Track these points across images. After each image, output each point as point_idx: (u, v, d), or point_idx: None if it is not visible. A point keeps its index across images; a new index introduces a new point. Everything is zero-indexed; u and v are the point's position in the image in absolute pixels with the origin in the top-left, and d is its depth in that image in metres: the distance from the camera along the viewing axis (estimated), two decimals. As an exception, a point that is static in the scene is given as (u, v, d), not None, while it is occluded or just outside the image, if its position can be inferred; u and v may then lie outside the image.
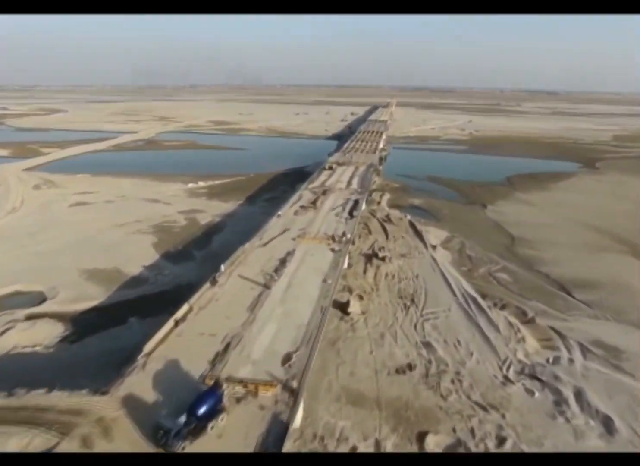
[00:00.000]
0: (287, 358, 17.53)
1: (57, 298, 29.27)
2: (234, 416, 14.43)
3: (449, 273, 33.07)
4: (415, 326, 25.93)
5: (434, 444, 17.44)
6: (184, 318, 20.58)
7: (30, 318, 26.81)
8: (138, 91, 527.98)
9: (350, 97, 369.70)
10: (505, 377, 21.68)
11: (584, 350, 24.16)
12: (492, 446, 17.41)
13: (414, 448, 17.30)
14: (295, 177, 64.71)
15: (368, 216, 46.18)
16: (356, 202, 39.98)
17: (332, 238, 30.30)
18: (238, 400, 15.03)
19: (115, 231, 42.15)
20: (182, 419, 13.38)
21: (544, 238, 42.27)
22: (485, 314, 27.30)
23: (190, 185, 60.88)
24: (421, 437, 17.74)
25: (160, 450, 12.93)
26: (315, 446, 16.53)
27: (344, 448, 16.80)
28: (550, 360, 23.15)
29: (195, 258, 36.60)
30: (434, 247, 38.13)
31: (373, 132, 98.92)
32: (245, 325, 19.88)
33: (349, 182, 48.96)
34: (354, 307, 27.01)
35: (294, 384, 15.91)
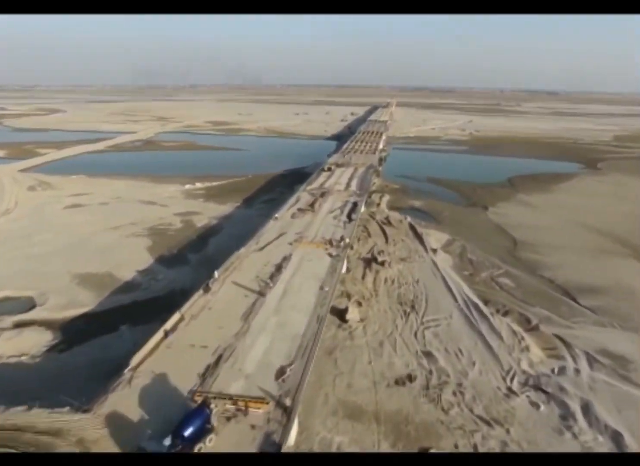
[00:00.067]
0: (281, 372, 16.69)
1: (46, 304, 28.43)
2: (223, 437, 13.58)
3: (450, 278, 32.23)
4: (415, 334, 25.09)
5: (436, 462, 16.57)
6: (174, 327, 19.70)
7: (18, 325, 25.98)
8: (138, 91, 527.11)
9: (350, 97, 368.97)
10: (509, 389, 20.83)
11: (590, 360, 23.32)
12: None
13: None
14: (293, 179, 63.85)
15: (367, 218, 45.34)
16: (355, 205, 39.15)
17: (330, 242, 29.46)
18: (228, 419, 14.19)
19: (110, 234, 41.31)
20: (167, 442, 12.53)
21: (546, 241, 41.42)
22: (488, 322, 26.46)
23: (187, 186, 60.04)
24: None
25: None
26: (310, 466, 15.69)
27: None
28: (556, 370, 22.30)
29: (190, 262, 35.76)
30: (434, 251, 37.28)
31: (373, 132, 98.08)
32: (238, 336, 19.05)
33: (348, 184, 48.12)
34: (352, 314, 26.17)
35: (288, 401, 15.07)
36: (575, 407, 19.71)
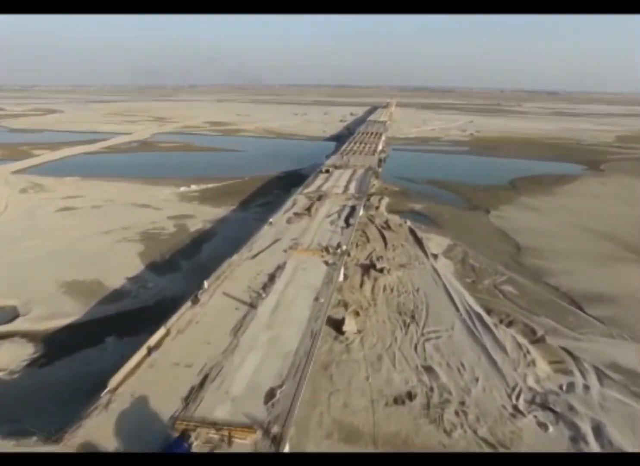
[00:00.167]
0: (270, 395, 15.45)
1: (30, 314, 27.20)
2: (204, 472, 12.32)
3: (452, 286, 31.01)
4: (415, 347, 23.87)
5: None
6: (159, 343, 18.46)
7: (-2, 337, 24.77)
8: (138, 91, 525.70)
9: (350, 98, 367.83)
10: (515, 408, 19.62)
11: (600, 375, 22.11)
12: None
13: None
14: (291, 181, 62.68)
15: (366, 221, 44.17)
16: (353, 209, 37.91)
17: (327, 249, 28.22)
18: (210, 451, 12.95)
19: (100, 239, 40.09)
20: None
21: (550, 246, 40.22)
22: (492, 333, 25.23)
23: (183, 189, 58.84)
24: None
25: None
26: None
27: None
28: (564, 387, 21.08)
29: (181, 269, 34.53)
30: (435, 256, 36.07)
31: (372, 133, 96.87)
32: (227, 353, 17.80)
33: (346, 187, 46.89)
34: (350, 325, 24.96)
35: (277, 428, 13.83)
36: (586, 428, 18.50)
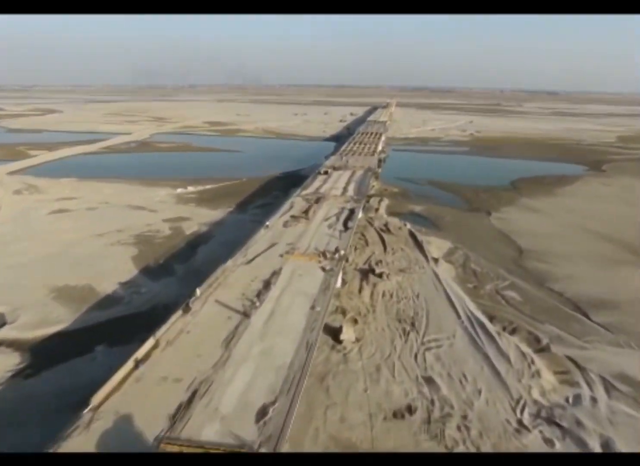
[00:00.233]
0: (262, 413, 14.61)
1: (17, 321, 26.34)
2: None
3: (453, 291, 30.16)
4: (415, 357, 23.02)
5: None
6: (147, 355, 17.62)
7: (-17, 346, 23.94)
8: (138, 91, 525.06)
9: (350, 98, 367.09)
10: (520, 422, 18.77)
11: (608, 386, 21.25)
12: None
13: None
14: (289, 182, 61.87)
15: (365, 224, 43.36)
16: (352, 212, 37.03)
17: (324, 254, 27.37)
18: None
19: (94, 242, 39.24)
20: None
21: (553, 249, 39.37)
22: (494, 342, 24.39)
23: (179, 190, 57.98)
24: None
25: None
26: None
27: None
28: (570, 400, 20.23)
29: (176, 273, 33.69)
30: (435, 260, 35.23)
31: (371, 133, 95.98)
32: (217, 366, 16.96)
33: (345, 189, 46.03)
34: (347, 334, 24.14)
35: (268, 450, 12.98)
36: (595, 445, 17.66)
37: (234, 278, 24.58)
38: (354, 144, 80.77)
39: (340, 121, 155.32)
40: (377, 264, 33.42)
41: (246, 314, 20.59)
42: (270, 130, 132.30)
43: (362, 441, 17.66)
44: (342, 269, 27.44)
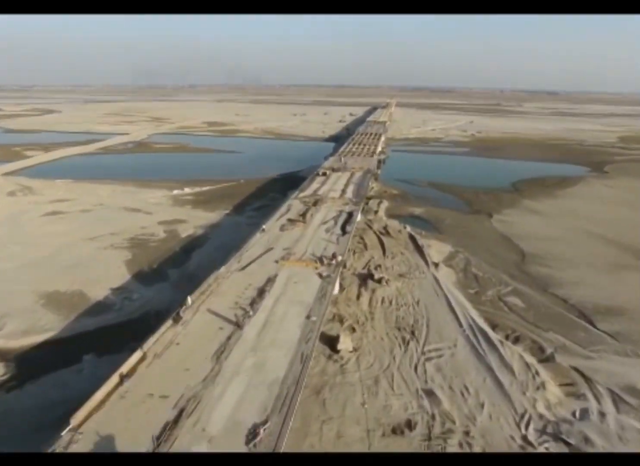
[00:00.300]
0: (253, 434, 13.75)
1: (3, 330, 25.44)
2: None
3: (454, 298, 29.29)
4: (415, 368, 22.15)
5: None
6: (133, 369, 16.75)
7: (-33, 356, 23.06)
8: (138, 91, 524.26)
9: (350, 98, 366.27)
10: (525, 438, 17.90)
11: (616, 400, 20.38)
12: None
13: None
14: (287, 183, 60.95)
15: (364, 227, 42.47)
16: (350, 215, 36.16)
17: (321, 259, 26.49)
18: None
19: (86, 246, 38.35)
20: None
21: (556, 253, 38.48)
22: (497, 352, 23.51)
23: (176, 192, 57.10)
24: None
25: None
26: None
27: None
28: (577, 414, 19.35)
29: (169, 278, 32.82)
30: (436, 265, 34.35)
31: (371, 134, 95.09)
32: (207, 382, 16.10)
33: (344, 191, 45.15)
34: (345, 343, 23.27)
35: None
36: (604, 464, 16.75)
37: (227, 285, 23.71)
38: (353, 144, 79.90)
39: (340, 121, 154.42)
40: (376, 268, 32.56)
41: (239, 325, 19.72)
42: (269, 130, 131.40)
43: (360, 460, 16.76)
44: (338, 277, 26.54)
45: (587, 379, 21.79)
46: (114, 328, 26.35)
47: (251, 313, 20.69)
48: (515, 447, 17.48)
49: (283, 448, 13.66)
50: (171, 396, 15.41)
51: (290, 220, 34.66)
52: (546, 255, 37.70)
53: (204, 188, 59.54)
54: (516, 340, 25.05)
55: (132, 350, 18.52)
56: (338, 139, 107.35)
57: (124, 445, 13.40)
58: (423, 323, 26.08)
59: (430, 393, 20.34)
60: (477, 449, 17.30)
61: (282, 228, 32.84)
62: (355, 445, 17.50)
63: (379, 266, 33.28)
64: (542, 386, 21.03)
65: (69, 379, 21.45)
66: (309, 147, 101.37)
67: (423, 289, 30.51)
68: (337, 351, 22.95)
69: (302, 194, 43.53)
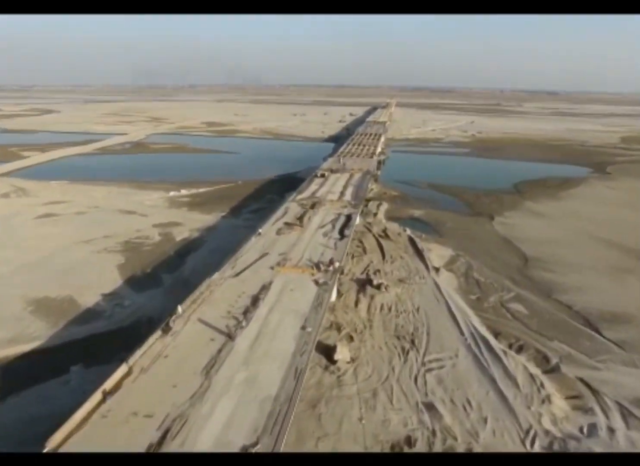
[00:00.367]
0: (241, 457, 12.83)
1: (-11, 338, 24.62)
2: None
3: (455, 304, 28.42)
4: (415, 380, 21.28)
5: None
6: (117, 385, 15.89)
7: (-50, 367, 22.22)
8: (138, 91, 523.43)
9: (350, 98, 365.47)
10: (530, 456, 17.03)
11: (625, 414, 19.51)
12: None
13: None
14: (285, 185, 60.06)
15: (363, 230, 41.63)
16: (349, 218, 35.32)
17: (317, 266, 25.64)
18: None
19: (79, 250, 37.50)
20: None
21: (559, 256, 37.61)
22: (500, 362, 22.65)
23: (172, 193, 56.27)
24: None
25: None
26: None
27: None
28: (585, 430, 18.48)
29: (163, 284, 31.95)
30: (436, 269, 33.50)
31: (371, 134, 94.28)
32: (195, 399, 15.23)
33: (342, 193, 44.31)
34: (342, 353, 22.40)
35: (245, 507, 11.24)
36: (614, 485, 15.90)
37: (220, 293, 22.86)
38: (353, 145, 79.08)
39: (340, 121, 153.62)
40: (375, 274, 31.72)
41: (230, 336, 18.87)
42: (268, 131, 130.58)
43: (356, 480, 15.91)
44: (335, 284, 25.68)
45: (594, 392, 20.93)
46: (104, 336, 25.49)
47: (244, 323, 19.84)
48: (520, 466, 16.58)
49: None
50: (156, 415, 14.57)
51: (287, 223, 33.82)
52: (549, 259, 36.84)
53: (201, 190, 58.71)
54: (520, 349, 24.20)
55: (121, 360, 17.73)
56: (338, 140, 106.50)
57: (104, 470, 12.52)
58: (423, 331, 25.23)
59: (430, 407, 19.49)
60: (480, 468, 16.41)
61: (279, 232, 32.01)
62: (352, 463, 16.62)
63: (378, 270, 32.43)
64: (547, 399, 20.17)
65: (54, 393, 20.58)
66: (308, 147, 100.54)
67: (423, 295, 29.66)
68: (334, 362, 22.11)
69: (299, 197, 42.70)
